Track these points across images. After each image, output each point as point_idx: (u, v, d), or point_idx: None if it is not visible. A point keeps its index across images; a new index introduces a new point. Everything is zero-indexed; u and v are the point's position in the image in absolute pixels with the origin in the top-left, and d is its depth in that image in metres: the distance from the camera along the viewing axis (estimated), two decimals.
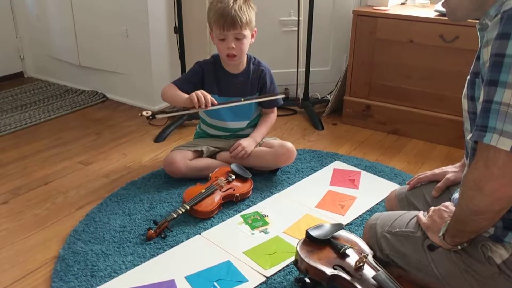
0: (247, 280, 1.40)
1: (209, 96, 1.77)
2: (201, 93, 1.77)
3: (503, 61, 0.92)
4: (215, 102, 1.79)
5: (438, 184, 1.44)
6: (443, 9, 1.35)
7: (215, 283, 1.38)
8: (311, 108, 2.68)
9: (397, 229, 1.33)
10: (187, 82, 1.95)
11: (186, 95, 1.84)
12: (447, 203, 1.27)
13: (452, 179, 1.42)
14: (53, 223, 1.70)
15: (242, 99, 1.87)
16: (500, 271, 1.13)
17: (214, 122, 2.04)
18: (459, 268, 1.19)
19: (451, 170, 1.46)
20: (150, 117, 1.68)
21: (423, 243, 1.25)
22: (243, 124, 2.04)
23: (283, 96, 1.96)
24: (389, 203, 1.62)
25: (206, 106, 1.75)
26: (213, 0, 1.89)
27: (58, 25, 3.05)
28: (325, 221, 1.64)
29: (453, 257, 1.20)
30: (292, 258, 1.42)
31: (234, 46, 1.85)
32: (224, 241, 1.57)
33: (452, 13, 1.17)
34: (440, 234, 1.19)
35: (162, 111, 1.75)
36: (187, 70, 2.16)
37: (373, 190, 1.90)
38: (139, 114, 1.67)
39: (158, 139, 2.39)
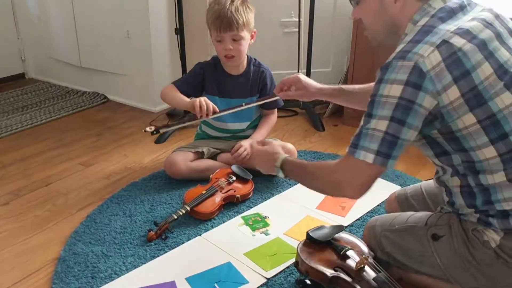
0: (247, 282, 1.39)
1: (211, 105, 1.75)
2: (204, 101, 1.75)
3: (375, 99, 1.12)
4: (217, 110, 1.77)
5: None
6: None
7: (215, 285, 1.38)
8: (312, 109, 2.68)
9: (397, 226, 1.33)
10: (188, 84, 1.94)
11: (187, 99, 1.84)
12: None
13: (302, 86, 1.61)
14: (53, 224, 1.70)
15: (244, 104, 1.85)
16: (497, 255, 1.15)
17: (215, 124, 2.04)
18: (461, 258, 1.19)
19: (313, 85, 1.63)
20: (154, 132, 1.67)
21: (427, 233, 1.26)
22: (243, 125, 2.04)
23: (277, 98, 1.93)
24: (389, 205, 1.61)
25: (207, 115, 1.74)
26: (211, 2, 1.90)
27: (59, 26, 3.05)
28: (326, 222, 1.63)
29: (455, 245, 1.20)
30: (293, 260, 1.41)
31: (232, 48, 1.85)
32: (225, 242, 1.57)
33: (373, 38, 1.28)
34: (278, 164, 1.34)
35: (165, 125, 1.75)
36: (188, 71, 2.15)
37: (373, 191, 1.86)
38: (143, 130, 1.67)
39: (159, 140, 2.39)
